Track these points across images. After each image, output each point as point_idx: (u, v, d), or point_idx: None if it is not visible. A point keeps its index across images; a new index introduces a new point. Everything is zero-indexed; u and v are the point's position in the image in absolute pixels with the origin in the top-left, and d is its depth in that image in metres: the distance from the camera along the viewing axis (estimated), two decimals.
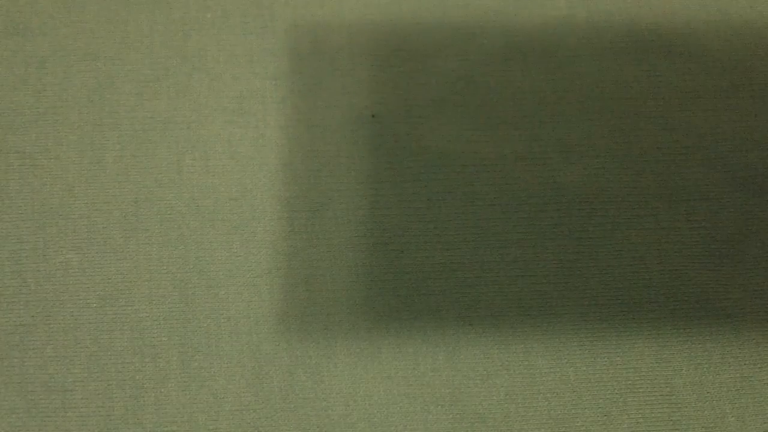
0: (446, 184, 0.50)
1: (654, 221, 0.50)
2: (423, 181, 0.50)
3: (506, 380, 0.47)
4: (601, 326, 0.48)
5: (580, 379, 0.47)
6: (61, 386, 0.46)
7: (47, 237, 0.48)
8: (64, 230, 0.49)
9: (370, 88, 0.52)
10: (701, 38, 0.54)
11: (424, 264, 0.49)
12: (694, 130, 0.52)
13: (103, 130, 0.51)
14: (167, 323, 0.47)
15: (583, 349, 0.47)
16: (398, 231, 0.49)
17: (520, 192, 0.50)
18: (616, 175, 0.51)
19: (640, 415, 0.46)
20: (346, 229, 0.49)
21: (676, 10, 0.54)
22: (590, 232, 0.49)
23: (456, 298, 0.48)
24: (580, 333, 0.48)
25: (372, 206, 0.50)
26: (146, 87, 0.51)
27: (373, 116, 0.51)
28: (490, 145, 0.51)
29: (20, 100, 0.51)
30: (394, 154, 0.51)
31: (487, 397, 0.46)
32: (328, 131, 0.51)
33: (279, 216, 0.49)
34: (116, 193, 0.49)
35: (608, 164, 0.51)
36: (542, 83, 0.52)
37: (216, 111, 0.51)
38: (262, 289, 0.48)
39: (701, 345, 0.47)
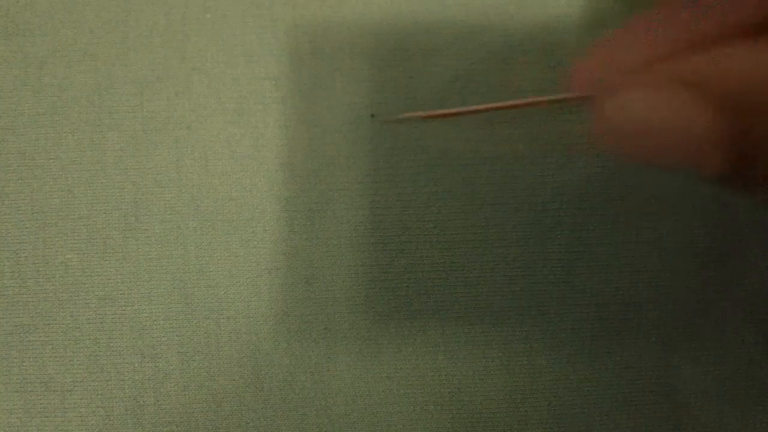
0: (446, 184, 0.50)
1: (654, 221, 0.50)
2: (423, 181, 0.50)
3: (506, 380, 0.47)
4: (601, 326, 0.48)
5: (580, 379, 0.47)
6: (61, 386, 0.46)
7: (47, 237, 0.48)
8: (63, 231, 0.49)
9: (370, 88, 0.52)
10: None
11: (424, 264, 0.49)
12: None
13: (102, 130, 0.50)
14: (167, 323, 0.47)
15: (583, 348, 0.47)
16: (398, 231, 0.49)
17: (520, 192, 0.50)
18: (616, 174, 0.51)
19: (640, 415, 0.46)
20: (346, 229, 0.49)
21: None
22: (590, 231, 0.49)
23: (456, 298, 0.48)
24: (580, 333, 0.48)
25: (372, 206, 0.50)
26: (146, 87, 0.51)
27: (372, 116, 0.51)
28: (490, 144, 0.51)
29: (19, 101, 0.51)
30: (394, 154, 0.51)
31: (487, 397, 0.46)
32: (328, 131, 0.51)
33: (279, 216, 0.49)
34: (116, 193, 0.49)
35: (608, 164, 0.51)
36: (542, 83, 0.52)
37: (216, 111, 0.51)
38: (262, 289, 0.48)
39: (702, 344, 0.47)
